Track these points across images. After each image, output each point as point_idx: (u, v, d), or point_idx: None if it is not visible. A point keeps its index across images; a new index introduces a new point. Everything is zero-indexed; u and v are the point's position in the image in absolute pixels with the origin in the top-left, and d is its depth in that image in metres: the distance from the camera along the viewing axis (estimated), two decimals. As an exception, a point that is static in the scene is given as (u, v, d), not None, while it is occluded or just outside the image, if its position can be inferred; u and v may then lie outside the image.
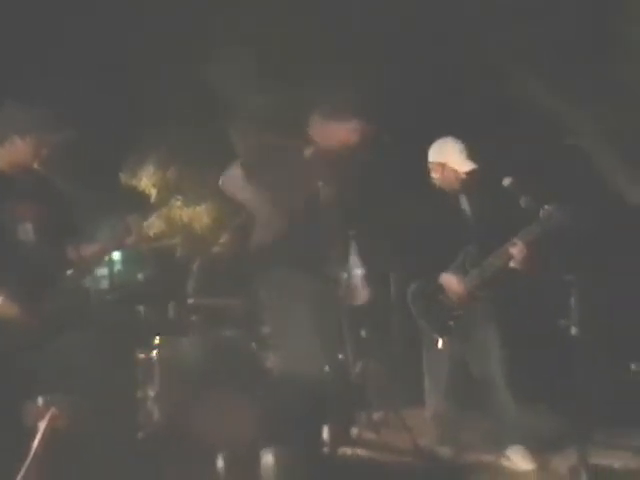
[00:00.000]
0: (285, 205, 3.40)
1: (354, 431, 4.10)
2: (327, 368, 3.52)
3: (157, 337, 4.34)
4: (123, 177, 8.36)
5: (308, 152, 3.53)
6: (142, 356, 4.16)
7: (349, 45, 5.99)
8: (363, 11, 5.96)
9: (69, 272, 3.34)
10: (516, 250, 3.71)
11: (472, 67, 5.95)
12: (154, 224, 8.65)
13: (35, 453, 2.89)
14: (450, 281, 3.85)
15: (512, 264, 3.76)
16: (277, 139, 3.63)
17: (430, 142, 4.09)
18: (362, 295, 3.49)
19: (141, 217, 3.58)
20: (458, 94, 6.00)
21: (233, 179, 3.44)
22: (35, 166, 3.32)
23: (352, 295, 3.44)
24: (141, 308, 4.84)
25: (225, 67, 6.74)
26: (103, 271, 7.87)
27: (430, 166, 4.07)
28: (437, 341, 3.80)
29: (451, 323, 3.83)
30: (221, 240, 6.14)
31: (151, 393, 4.15)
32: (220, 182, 3.50)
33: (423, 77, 5.92)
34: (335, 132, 3.46)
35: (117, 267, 8.27)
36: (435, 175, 4.04)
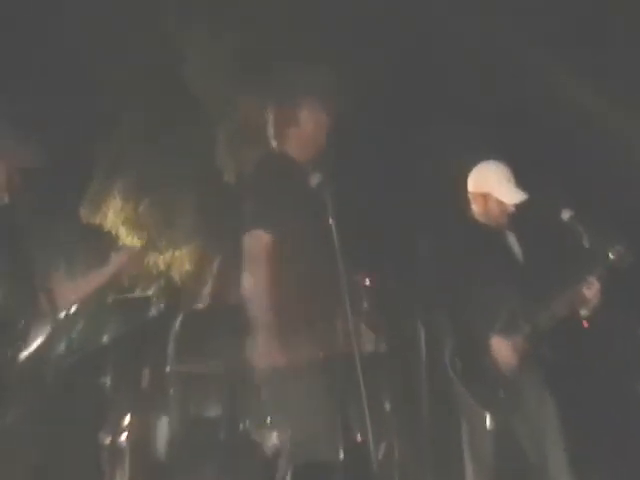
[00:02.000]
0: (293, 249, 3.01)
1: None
2: (341, 454, 3.11)
3: (127, 416, 4.05)
4: (83, 213, 7.79)
5: (315, 180, 3.12)
6: (108, 440, 3.92)
7: (347, 46, 5.79)
8: (362, 11, 5.78)
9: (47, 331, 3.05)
10: (593, 291, 3.45)
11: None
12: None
13: None
14: (502, 347, 3.50)
15: (583, 311, 3.52)
16: (277, 161, 3.26)
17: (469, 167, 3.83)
18: None
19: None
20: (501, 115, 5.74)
21: None
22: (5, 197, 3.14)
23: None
24: (107, 379, 4.50)
25: (208, 70, 6.41)
26: (58, 332, 7.45)
27: (470, 197, 3.79)
28: (485, 418, 3.44)
29: (502, 394, 3.47)
30: (205, 290, 5.79)
31: (120, 486, 3.93)
32: None
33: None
34: (299, 133, 3.20)
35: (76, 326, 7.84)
36: (476, 208, 3.75)
